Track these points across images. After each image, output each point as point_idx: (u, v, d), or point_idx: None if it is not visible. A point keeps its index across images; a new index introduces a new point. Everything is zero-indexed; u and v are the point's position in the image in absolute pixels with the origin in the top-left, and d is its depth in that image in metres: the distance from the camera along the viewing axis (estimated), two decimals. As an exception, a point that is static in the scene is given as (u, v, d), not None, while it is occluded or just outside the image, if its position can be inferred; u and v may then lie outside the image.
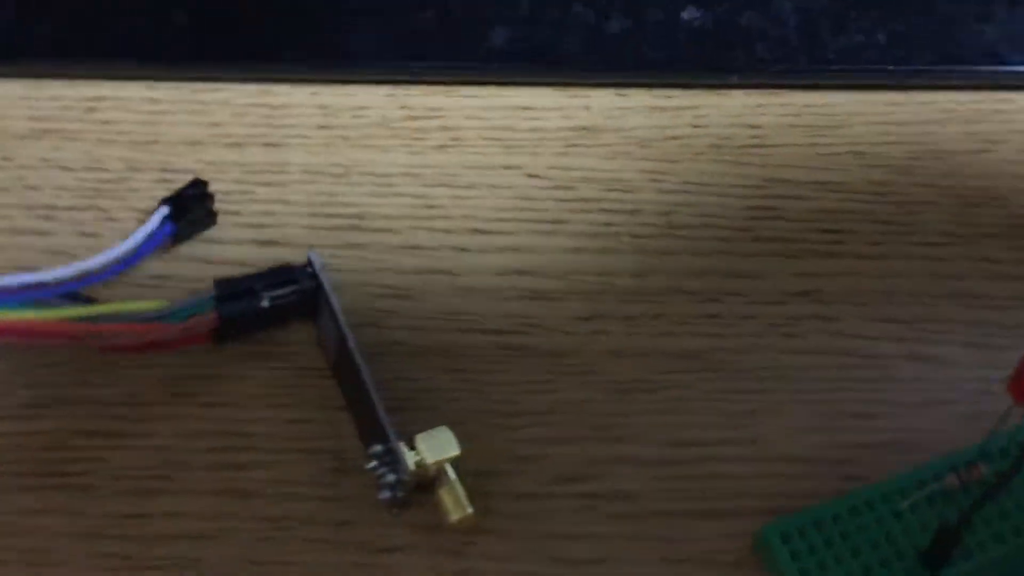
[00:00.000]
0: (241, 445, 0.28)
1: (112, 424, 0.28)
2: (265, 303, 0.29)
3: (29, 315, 0.26)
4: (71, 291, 0.27)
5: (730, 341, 0.31)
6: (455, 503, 0.26)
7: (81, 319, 0.27)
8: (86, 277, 0.28)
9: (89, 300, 0.28)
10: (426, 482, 0.27)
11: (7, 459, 0.28)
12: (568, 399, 0.30)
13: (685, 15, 0.36)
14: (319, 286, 0.29)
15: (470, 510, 0.26)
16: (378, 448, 0.27)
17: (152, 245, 0.29)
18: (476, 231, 0.33)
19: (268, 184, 0.33)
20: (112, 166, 0.33)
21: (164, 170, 0.33)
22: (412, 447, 0.27)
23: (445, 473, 0.27)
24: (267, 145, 0.34)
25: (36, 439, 0.28)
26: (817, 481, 0.28)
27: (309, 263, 0.29)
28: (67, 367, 0.29)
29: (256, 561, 0.27)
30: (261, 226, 0.32)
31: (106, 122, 0.34)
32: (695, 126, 0.35)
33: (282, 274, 0.29)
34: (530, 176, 0.34)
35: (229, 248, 0.32)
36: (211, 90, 0.35)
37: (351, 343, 0.28)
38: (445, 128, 0.35)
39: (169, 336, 0.28)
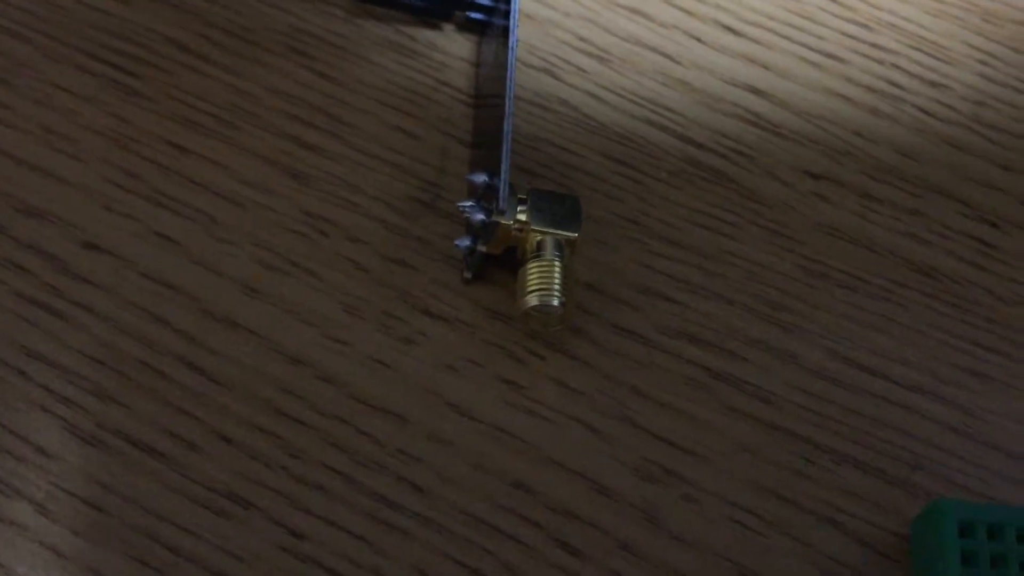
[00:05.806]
0: (324, 126, 0.22)
1: (204, 46, 0.23)
2: (428, -32, 0.22)
3: None
4: None
5: (996, 283, 0.21)
6: (541, 287, 0.19)
7: None
8: None
9: None
10: (521, 255, 0.20)
11: (77, 31, 0.23)
12: (744, 254, 0.21)
13: None
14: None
15: (556, 302, 0.19)
16: (481, 179, 0.20)
17: None
18: (724, 27, 0.25)
19: None
20: None
21: None
22: (523, 201, 0.20)
23: (547, 249, 0.20)
24: None
25: (114, 23, 0.23)
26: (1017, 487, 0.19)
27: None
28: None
29: (267, 246, 0.21)
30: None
31: None
32: (1068, 24, 0.26)
33: (466, -54, 0.23)
34: (824, -3, 0.26)
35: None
36: None
37: (510, 62, 0.20)
38: (745, -90, 0.27)
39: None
